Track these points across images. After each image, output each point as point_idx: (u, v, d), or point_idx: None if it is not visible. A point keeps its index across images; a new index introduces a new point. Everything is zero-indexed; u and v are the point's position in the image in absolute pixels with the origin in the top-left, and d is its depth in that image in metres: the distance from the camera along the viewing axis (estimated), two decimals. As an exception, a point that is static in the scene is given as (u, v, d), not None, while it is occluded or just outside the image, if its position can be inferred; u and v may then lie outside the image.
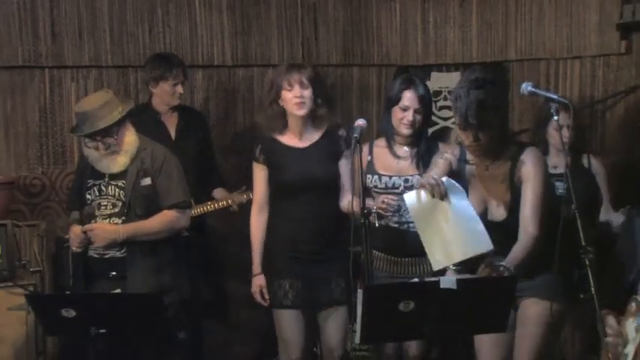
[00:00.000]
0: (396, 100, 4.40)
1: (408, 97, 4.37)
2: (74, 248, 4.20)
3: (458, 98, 3.82)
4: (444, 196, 3.75)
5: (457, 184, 3.84)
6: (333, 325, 4.46)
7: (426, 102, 4.44)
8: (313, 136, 4.42)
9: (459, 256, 3.75)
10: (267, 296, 4.38)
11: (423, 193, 3.80)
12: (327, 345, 4.51)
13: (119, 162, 4.17)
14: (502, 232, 3.88)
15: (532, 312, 3.95)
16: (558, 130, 4.61)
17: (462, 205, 3.83)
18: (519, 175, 3.91)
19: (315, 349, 4.57)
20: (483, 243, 3.76)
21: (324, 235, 4.38)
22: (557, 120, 4.15)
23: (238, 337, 5.39)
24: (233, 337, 5.49)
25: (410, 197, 3.86)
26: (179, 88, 5.10)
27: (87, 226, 4.10)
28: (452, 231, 3.84)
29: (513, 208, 3.93)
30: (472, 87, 3.79)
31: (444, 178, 3.80)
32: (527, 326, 3.95)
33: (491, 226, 3.88)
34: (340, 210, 4.45)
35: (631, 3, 5.13)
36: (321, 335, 4.53)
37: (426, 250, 3.87)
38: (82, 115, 4.12)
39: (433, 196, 3.75)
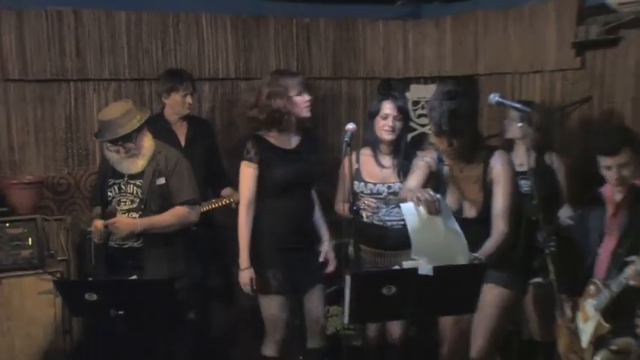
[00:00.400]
0: (377, 110, 4.42)
1: (388, 107, 4.39)
2: (96, 240, 4.19)
3: (432, 108, 3.84)
4: (438, 212, 3.71)
5: (445, 203, 3.83)
6: (314, 301, 4.45)
7: (403, 110, 4.44)
8: (296, 139, 4.40)
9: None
10: (255, 287, 4.31)
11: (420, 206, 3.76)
12: (312, 317, 4.48)
13: (138, 164, 4.17)
14: (475, 228, 3.89)
15: (490, 296, 3.95)
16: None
17: (451, 221, 3.80)
18: (490, 177, 3.93)
19: (297, 323, 4.55)
20: (465, 256, 3.75)
21: (303, 227, 4.37)
22: (522, 126, 4.19)
23: (241, 318, 5.36)
24: (236, 318, 5.47)
25: (407, 208, 3.83)
26: (188, 99, 5.08)
27: (109, 220, 4.08)
28: (441, 245, 3.79)
29: (485, 206, 3.95)
30: (445, 98, 3.81)
31: (438, 196, 3.77)
32: (485, 308, 3.93)
33: (465, 222, 3.90)
34: (314, 205, 4.47)
35: (584, 25, 5.16)
36: (305, 311, 4.49)
37: (414, 256, 3.84)
38: (105, 123, 4.12)
39: (430, 212, 3.70)
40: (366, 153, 4.52)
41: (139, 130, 4.13)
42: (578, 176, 4.88)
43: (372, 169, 4.48)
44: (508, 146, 4.79)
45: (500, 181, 3.90)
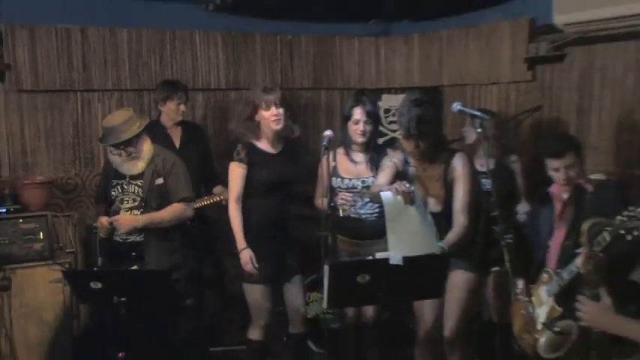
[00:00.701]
0: (349, 115, 4.42)
1: (358, 112, 4.38)
2: (102, 235, 4.18)
3: (401, 114, 3.88)
4: (413, 202, 3.77)
5: (417, 195, 3.87)
6: (293, 291, 4.44)
7: (372, 115, 4.42)
8: (281, 144, 4.39)
9: (414, 253, 3.69)
10: (257, 265, 4.23)
11: (398, 196, 3.78)
12: (293, 306, 4.47)
13: (138, 166, 4.18)
14: (438, 221, 3.95)
15: (458, 281, 4.03)
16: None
17: (423, 211, 3.87)
18: (451, 176, 3.97)
19: (281, 308, 4.56)
20: (434, 246, 3.81)
21: (284, 223, 4.37)
22: (481, 131, 4.24)
23: (231, 304, 5.35)
24: (226, 305, 5.46)
25: (387, 196, 3.86)
26: (182, 107, 5.09)
27: (113, 217, 4.10)
28: (416, 230, 3.85)
29: (447, 202, 3.99)
30: (412, 105, 3.85)
31: (412, 188, 3.81)
32: (454, 292, 4.01)
33: (430, 216, 3.96)
34: (294, 202, 4.47)
35: (535, 42, 5.18)
36: (286, 301, 4.48)
37: (389, 242, 3.86)
38: (109, 129, 4.12)
39: (405, 201, 3.76)
40: (340, 152, 4.51)
41: (139, 136, 4.13)
42: (530, 177, 4.88)
43: (347, 166, 4.47)
44: (471, 150, 4.76)
45: (460, 180, 3.95)
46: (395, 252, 3.53)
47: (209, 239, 5.23)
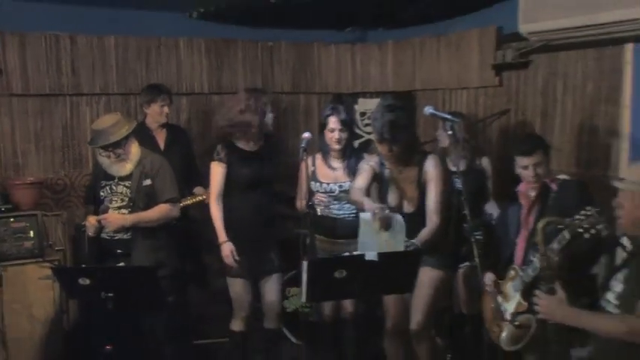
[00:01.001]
0: (325, 124, 4.43)
1: (333, 121, 4.39)
2: (90, 233, 4.15)
3: (375, 119, 3.88)
4: (388, 228, 3.77)
5: (401, 221, 3.83)
6: (269, 288, 4.45)
7: (347, 123, 4.42)
8: (260, 143, 4.40)
9: None
10: (237, 257, 4.27)
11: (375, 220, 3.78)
12: (268, 302, 4.48)
13: (126, 167, 4.16)
14: (413, 220, 3.94)
15: (426, 278, 4.00)
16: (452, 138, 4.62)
17: (398, 238, 3.82)
18: (425, 178, 3.97)
19: (258, 304, 4.56)
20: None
21: (264, 220, 4.36)
22: (452, 133, 4.25)
23: (213, 299, 5.33)
24: (209, 300, 5.45)
25: (365, 218, 3.88)
26: (166, 109, 5.08)
27: (101, 216, 4.08)
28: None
29: (421, 202, 3.99)
30: (385, 111, 3.84)
31: (399, 217, 3.82)
32: (422, 288, 3.99)
33: (405, 216, 3.94)
34: (274, 199, 4.48)
35: (502, 50, 5.21)
36: (263, 296, 4.48)
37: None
38: (98, 132, 4.10)
39: (380, 226, 3.77)
40: (319, 158, 4.53)
41: (127, 138, 4.12)
42: (498, 177, 4.91)
43: (325, 171, 4.50)
44: (445, 152, 4.75)
45: (433, 181, 3.95)
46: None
47: (191, 237, 5.21)
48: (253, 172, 4.32)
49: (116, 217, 4.12)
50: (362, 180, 4.12)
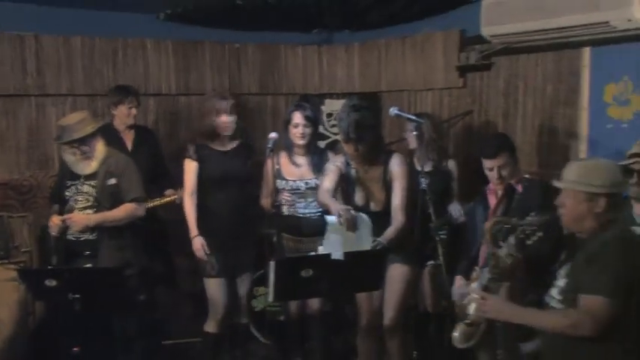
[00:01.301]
0: (289, 120, 4.45)
1: (297, 117, 4.41)
2: (53, 234, 4.13)
3: (341, 119, 3.91)
4: (354, 230, 3.78)
5: (367, 221, 3.84)
6: (243, 283, 4.50)
7: (311, 119, 4.43)
8: (232, 144, 4.42)
9: None
10: (208, 251, 4.29)
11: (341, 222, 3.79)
12: (240, 296, 4.53)
13: (92, 165, 4.15)
14: (380, 219, 3.95)
15: (396, 274, 4.04)
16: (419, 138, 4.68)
17: (364, 238, 3.83)
18: (390, 177, 3.99)
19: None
20: None
21: (238, 219, 4.35)
22: (417, 134, 4.28)
23: (183, 299, 5.35)
24: (179, 300, 5.44)
25: (331, 221, 3.89)
26: (133, 111, 5.06)
27: (65, 216, 4.07)
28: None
29: (387, 201, 4.01)
30: (351, 111, 3.87)
31: (364, 216, 3.83)
32: (393, 284, 4.03)
33: (372, 215, 3.96)
34: (248, 199, 4.46)
35: (465, 52, 5.27)
36: (236, 291, 4.51)
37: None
38: (64, 128, 4.11)
39: (347, 228, 3.77)
40: (283, 155, 4.53)
41: (93, 136, 4.12)
42: (462, 177, 4.98)
43: (290, 169, 4.50)
44: (411, 153, 4.83)
45: (398, 180, 3.98)
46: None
47: (161, 237, 5.20)
48: (225, 171, 4.34)
49: (80, 217, 4.11)
50: (329, 181, 4.13)
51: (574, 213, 2.77)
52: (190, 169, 4.37)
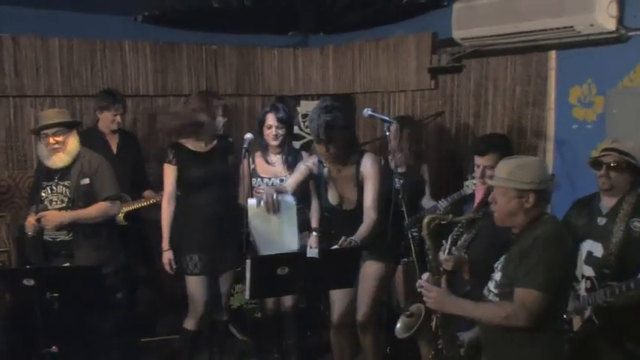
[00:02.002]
0: (263, 121, 4.52)
1: (271, 118, 4.49)
2: (30, 233, 4.12)
3: (312, 120, 3.91)
4: (275, 212, 3.86)
5: (290, 203, 3.94)
6: (225, 281, 4.48)
7: (284, 120, 4.50)
8: (211, 144, 4.41)
9: (274, 251, 3.82)
10: (174, 266, 4.31)
11: (262, 202, 3.88)
12: (221, 294, 4.51)
13: (63, 159, 4.12)
14: (352, 217, 3.99)
15: (370, 270, 4.07)
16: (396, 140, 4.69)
17: (289, 220, 3.94)
18: (362, 176, 4.00)
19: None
20: (293, 245, 3.95)
21: (221, 218, 4.33)
22: (389, 135, 4.30)
23: (164, 300, 5.32)
24: (160, 301, 5.42)
25: (251, 203, 3.95)
26: (118, 118, 5.08)
27: (40, 214, 4.05)
28: (273, 233, 3.97)
29: (359, 199, 4.02)
30: (322, 112, 3.88)
31: (288, 198, 3.91)
32: (367, 280, 4.05)
33: (345, 213, 4.03)
34: (230, 198, 4.47)
35: (437, 54, 5.33)
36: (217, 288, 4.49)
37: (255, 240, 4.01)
38: (42, 117, 4.16)
39: (268, 210, 3.85)
40: (258, 155, 4.60)
41: (67, 127, 4.13)
42: (434, 177, 5.06)
43: (264, 167, 4.58)
44: (386, 153, 4.86)
45: (370, 179, 3.99)
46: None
47: (143, 237, 5.18)
48: (204, 173, 4.32)
49: (54, 215, 4.09)
50: (293, 179, 4.16)
51: (506, 209, 2.85)
52: (169, 173, 4.35)
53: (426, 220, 3.07)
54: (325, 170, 4.13)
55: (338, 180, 4.12)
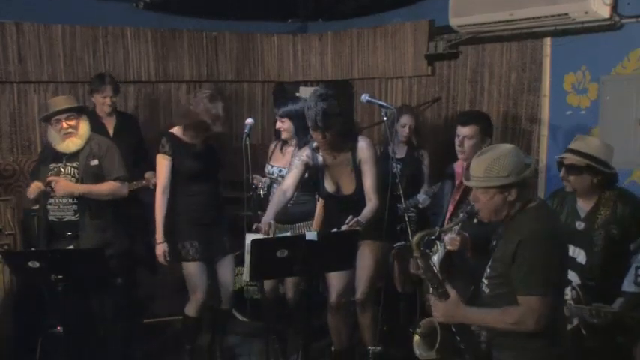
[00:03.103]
0: (276, 120, 4.57)
1: (279, 123, 4.49)
2: (30, 198, 4.14)
3: (309, 108, 3.88)
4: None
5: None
6: (224, 269, 4.49)
7: (287, 114, 4.45)
8: (203, 137, 4.33)
9: None
10: (168, 258, 4.26)
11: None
12: (222, 283, 4.51)
13: (76, 143, 4.15)
14: (352, 202, 3.99)
15: (367, 250, 4.09)
16: (404, 127, 4.81)
17: None
18: (359, 160, 3.99)
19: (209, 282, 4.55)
20: None
21: (213, 206, 4.38)
22: (387, 121, 4.28)
23: (162, 283, 5.27)
24: (158, 283, 5.36)
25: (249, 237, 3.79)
26: (107, 100, 5.02)
27: (52, 177, 4.05)
28: None
29: (358, 184, 4.02)
30: (319, 100, 3.85)
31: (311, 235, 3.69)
32: (365, 259, 4.06)
33: (344, 199, 4.03)
34: (221, 187, 4.48)
35: (434, 41, 5.34)
36: (218, 277, 4.50)
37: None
38: (52, 104, 4.16)
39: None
40: (275, 143, 4.70)
41: (79, 113, 4.16)
42: (431, 161, 5.04)
43: (277, 156, 4.64)
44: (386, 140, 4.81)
45: (367, 162, 3.97)
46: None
47: (142, 220, 5.14)
48: (198, 164, 4.33)
49: (66, 183, 4.11)
50: (291, 178, 4.10)
51: (490, 206, 2.77)
52: (163, 165, 4.30)
53: (415, 241, 2.92)
54: (320, 158, 4.12)
55: (334, 167, 4.12)
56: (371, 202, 3.94)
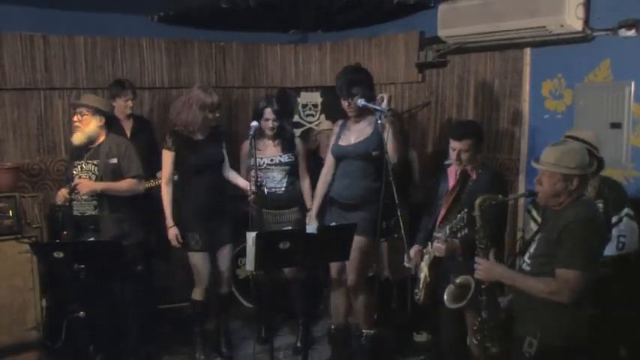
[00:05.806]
0: (261, 114, 4.61)
1: (267, 112, 4.59)
2: (58, 203, 4.22)
3: (338, 78, 4.23)
4: None
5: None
6: (224, 258, 4.54)
7: (279, 112, 4.61)
8: (207, 131, 4.43)
9: None
10: (181, 240, 4.36)
11: None
12: (221, 271, 4.56)
13: (79, 136, 4.22)
14: (360, 155, 4.21)
15: (354, 243, 4.02)
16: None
17: None
18: (381, 125, 4.00)
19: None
20: None
21: (215, 199, 4.41)
22: (381, 123, 4.31)
23: (176, 269, 5.27)
24: (172, 269, 5.38)
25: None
26: (129, 103, 5.10)
27: (75, 182, 4.13)
28: None
29: (373, 136, 4.16)
30: (347, 71, 4.28)
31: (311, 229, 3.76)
32: (353, 251, 3.97)
33: (354, 150, 4.21)
34: (224, 180, 4.53)
35: (424, 50, 5.38)
36: (217, 263, 4.53)
37: None
38: (81, 97, 4.39)
39: None
40: (245, 144, 4.68)
41: (95, 112, 4.22)
42: (421, 161, 5.14)
43: (263, 149, 4.66)
44: None
45: (388, 129, 4.00)
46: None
47: (155, 214, 5.19)
48: (202, 158, 4.37)
49: (87, 182, 4.18)
50: (326, 169, 4.36)
51: (551, 191, 2.87)
52: (167, 158, 4.40)
53: (478, 201, 3.06)
54: (340, 126, 4.35)
55: (355, 127, 4.26)
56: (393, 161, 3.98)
